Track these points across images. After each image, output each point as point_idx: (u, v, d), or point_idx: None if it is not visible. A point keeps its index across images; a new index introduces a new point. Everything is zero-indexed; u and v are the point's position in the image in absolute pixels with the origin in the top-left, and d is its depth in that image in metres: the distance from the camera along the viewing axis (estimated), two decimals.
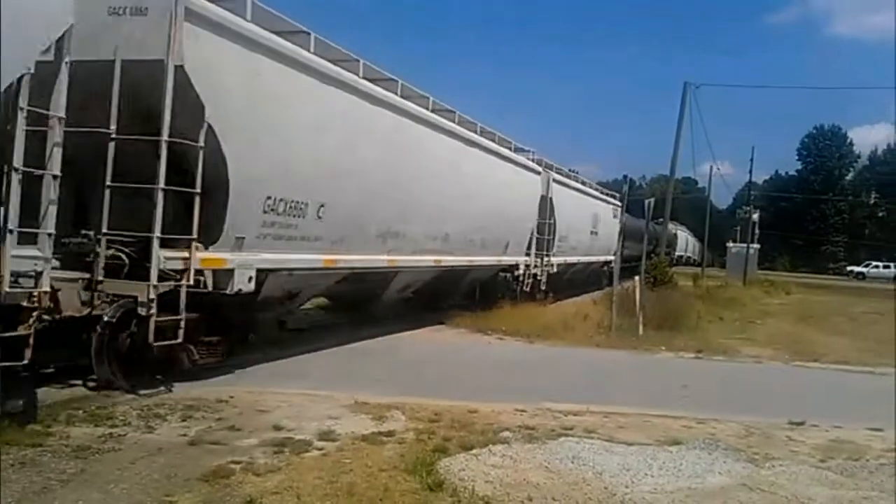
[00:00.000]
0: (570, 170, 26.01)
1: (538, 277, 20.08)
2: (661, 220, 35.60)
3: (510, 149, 17.84)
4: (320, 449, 6.06)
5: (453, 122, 14.27)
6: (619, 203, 30.65)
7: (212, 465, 5.42)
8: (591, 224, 26.49)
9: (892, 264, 70.50)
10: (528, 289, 19.22)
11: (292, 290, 10.56)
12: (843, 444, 7.29)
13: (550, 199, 20.38)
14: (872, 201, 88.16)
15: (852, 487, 5.88)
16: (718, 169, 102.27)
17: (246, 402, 7.53)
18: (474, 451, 6.14)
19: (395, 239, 12.18)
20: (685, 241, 64.26)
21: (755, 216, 48.70)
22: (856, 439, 7.52)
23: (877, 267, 71.16)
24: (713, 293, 27.51)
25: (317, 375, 9.30)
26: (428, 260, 13.77)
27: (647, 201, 19.51)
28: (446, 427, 6.97)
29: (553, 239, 20.70)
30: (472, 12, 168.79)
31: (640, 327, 14.93)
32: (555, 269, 21.26)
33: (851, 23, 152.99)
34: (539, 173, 19.83)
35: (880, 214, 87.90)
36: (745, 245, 45.37)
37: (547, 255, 20.41)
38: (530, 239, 19.36)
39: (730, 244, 52.32)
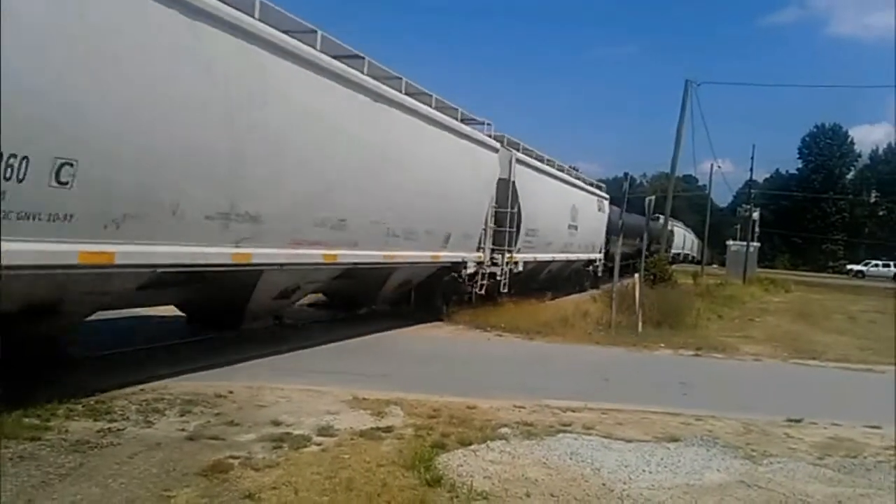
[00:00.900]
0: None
1: (497, 278, 16.68)
2: (655, 216, 34.87)
3: (455, 117, 14.21)
4: (319, 444, 6.06)
5: (360, 70, 10.60)
6: (605, 195, 28.10)
7: (210, 460, 5.42)
8: (569, 216, 22.71)
9: (891, 263, 70.63)
10: (482, 291, 16.06)
11: (46, 301, 6.95)
12: (842, 442, 7.30)
13: (513, 182, 16.88)
14: (873, 200, 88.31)
15: (850, 485, 5.89)
16: (719, 167, 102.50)
17: (244, 396, 7.53)
18: (473, 447, 6.15)
19: (246, 224, 8.40)
20: (682, 238, 63.56)
21: (755, 214, 48.77)
22: (854, 437, 7.53)
23: (876, 265, 71.26)
24: (713, 291, 27.53)
25: None
26: (313, 255, 9.94)
27: (647, 199, 19.48)
28: (445, 423, 6.97)
29: (518, 232, 17.20)
30: (471, 11, 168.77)
31: (640, 325, 14.94)
32: (521, 269, 17.97)
33: (852, 22, 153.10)
34: (496, 150, 16.09)
35: (880, 213, 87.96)
36: (745, 243, 45.37)
37: (510, 252, 16.96)
38: (484, 231, 15.87)
39: (730, 242, 52.39)
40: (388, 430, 6.62)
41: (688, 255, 64.31)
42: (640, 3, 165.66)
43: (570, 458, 6.05)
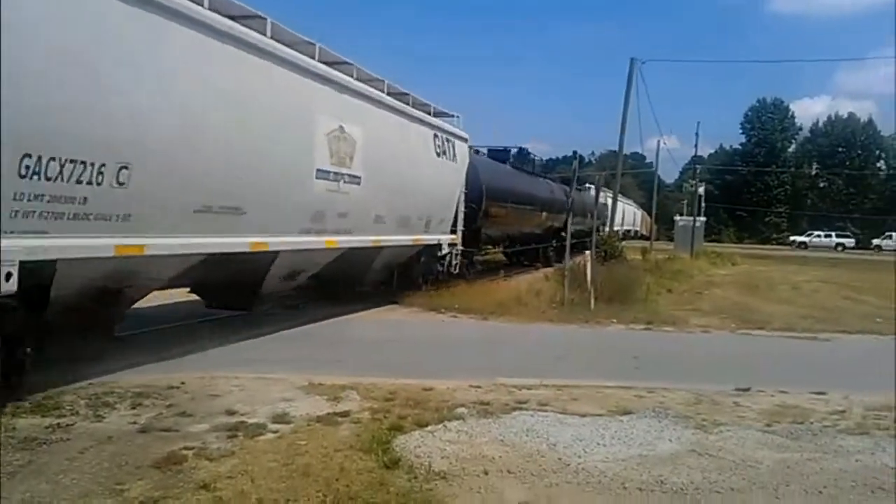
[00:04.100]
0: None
1: None
2: (586, 186, 30.53)
3: None
4: (275, 432, 6.02)
5: None
6: (462, 134, 16.69)
7: (164, 452, 5.34)
8: (327, 152, 10.76)
9: (833, 233, 72.86)
10: None
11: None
12: (788, 409, 7.49)
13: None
14: (814, 172, 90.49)
15: (797, 450, 6.05)
16: (665, 144, 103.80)
17: (197, 387, 7.42)
18: (430, 428, 6.17)
19: None
20: (622, 213, 58.87)
21: (701, 189, 49.67)
22: (800, 403, 7.73)
23: (818, 236, 73.32)
24: (662, 266, 27.88)
25: None
26: None
27: (597, 176, 19.69)
28: (401, 405, 6.97)
29: (55, 177, 6.07)
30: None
31: (592, 301, 15.11)
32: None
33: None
34: None
35: (821, 185, 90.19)
36: (691, 218, 46.13)
37: None
38: None
39: (677, 218, 53.16)
40: (345, 414, 6.59)
41: (629, 230, 62.40)
42: None
43: (527, 435, 6.10)
